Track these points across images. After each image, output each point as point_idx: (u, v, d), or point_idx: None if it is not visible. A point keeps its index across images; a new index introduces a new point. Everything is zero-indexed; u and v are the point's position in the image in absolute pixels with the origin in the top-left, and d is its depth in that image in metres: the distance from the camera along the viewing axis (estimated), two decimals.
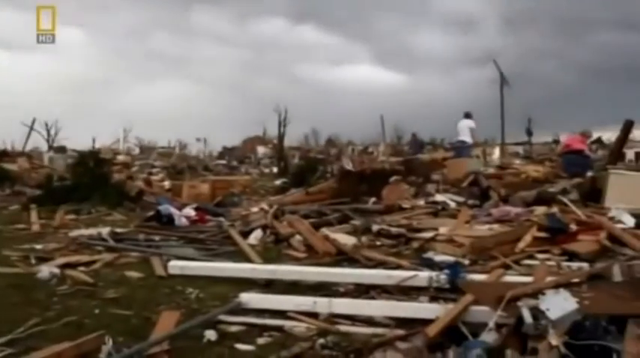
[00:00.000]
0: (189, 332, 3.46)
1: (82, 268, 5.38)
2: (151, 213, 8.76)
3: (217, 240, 7.04)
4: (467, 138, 14.29)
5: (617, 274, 3.90)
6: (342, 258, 5.71)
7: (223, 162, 34.61)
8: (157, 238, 7.12)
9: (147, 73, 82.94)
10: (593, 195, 8.07)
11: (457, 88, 63.19)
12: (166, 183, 15.25)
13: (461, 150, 14.29)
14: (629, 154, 20.05)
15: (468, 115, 14.64)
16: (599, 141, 33.25)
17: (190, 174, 21.26)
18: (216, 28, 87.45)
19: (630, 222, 6.29)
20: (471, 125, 14.32)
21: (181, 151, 44.95)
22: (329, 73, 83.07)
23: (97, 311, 4.05)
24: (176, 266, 5.16)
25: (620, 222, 6.26)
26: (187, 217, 8.51)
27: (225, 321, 3.72)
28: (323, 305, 3.81)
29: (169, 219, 8.20)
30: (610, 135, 26.14)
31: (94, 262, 5.64)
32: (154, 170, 21.98)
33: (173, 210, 8.46)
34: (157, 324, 3.51)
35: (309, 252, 6.09)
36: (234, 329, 3.63)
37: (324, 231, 6.79)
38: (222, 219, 8.55)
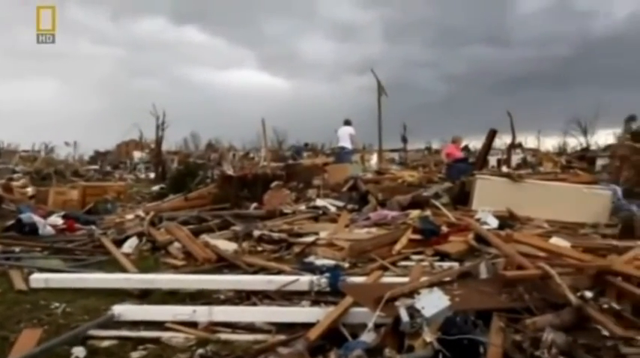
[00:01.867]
0: (54, 350, 3.19)
1: None
2: (10, 223, 8.04)
3: (88, 249, 6.62)
4: (347, 144, 14.72)
5: (483, 272, 4.20)
6: (223, 264, 5.60)
7: (95, 167, 32.70)
8: (17, 249, 6.55)
9: (10, 71, 76.02)
10: (462, 198, 8.64)
11: (339, 95, 64.72)
12: (29, 190, 14.08)
13: (341, 155, 14.67)
14: (492, 161, 21.70)
15: (347, 122, 15.09)
16: (466, 148, 35.79)
17: (57, 179, 19.82)
18: (90, 25, 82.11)
19: (494, 223, 6.81)
20: (351, 131, 14.78)
21: (47, 155, 41.80)
22: (212, 76, 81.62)
23: None
24: (39, 278, 4.76)
25: (485, 223, 6.75)
26: (54, 226, 7.92)
27: (96, 336, 3.49)
28: (202, 313, 3.71)
29: (32, 229, 7.57)
30: (475, 143, 28.25)
31: None
32: (15, 175, 20.19)
33: (37, 219, 7.83)
34: (16, 344, 3.21)
35: (189, 260, 5.91)
36: (105, 344, 3.41)
37: (204, 237, 6.63)
38: (93, 227, 8.06)
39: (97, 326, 3.60)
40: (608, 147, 27.63)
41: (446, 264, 5.23)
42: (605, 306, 3.58)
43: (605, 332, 3.26)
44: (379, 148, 23.23)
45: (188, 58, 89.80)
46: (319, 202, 9.03)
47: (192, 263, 5.79)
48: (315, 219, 8.05)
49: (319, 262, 5.35)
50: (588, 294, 3.64)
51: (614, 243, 6.03)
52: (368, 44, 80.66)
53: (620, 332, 3.21)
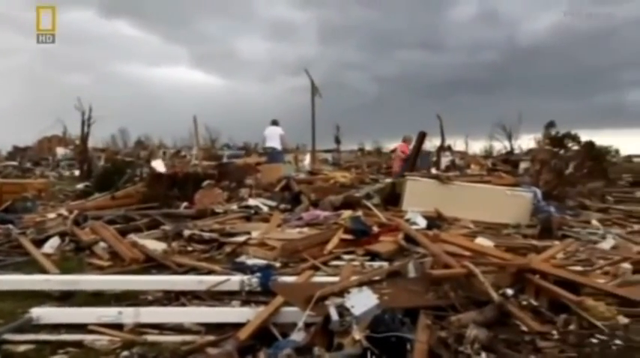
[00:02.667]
0: None
1: None
2: None
3: (4, 249, 6.28)
4: (277, 144, 14.76)
5: (411, 271, 4.32)
6: (151, 264, 5.46)
7: (14, 163, 31.07)
8: None
9: None
10: (392, 199, 8.84)
11: (273, 95, 64.66)
12: None
13: (274, 155, 14.67)
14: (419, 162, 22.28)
15: (275, 122, 15.15)
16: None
17: None
18: (11, 14, 77.64)
19: (423, 223, 7.01)
20: (280, 132, 14.82)
21: None
22: (143, 72, 79.45)
23: None
24: None
25: (414, 223, 6.94)
26: None
27: (12, 341, 3.33)
28: (129, 315, 3.61)
29: None
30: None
31: None
32: None
33: None
34: None
35: (115, 260, 5.72)
36: (22, 348, 3.26)
37: (132, 237, 6.45)
38: (10, 226, 7.64)
39: (12, 330, 3.43)
40: (530, 151, 29.02)
41: (376, 264, 5.32)
42: (525, 303, 3.78)
43: (524, 328, 3.44)
44: (312, 149, 23.37)
45: (118, 53, 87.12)
46: (251, 202, 8.98)
47: (118, 263, 5.61)
48: (247, 218, 8.00)
49: (250, 262, 5.32)
50: (509, 292, 3.82)
51: (534, 242, 6.38)
52: (303, 45, 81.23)
53: (537, 328, 3.40)
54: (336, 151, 40.94)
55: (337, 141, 43.33)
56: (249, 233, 6.62)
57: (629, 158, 24.54)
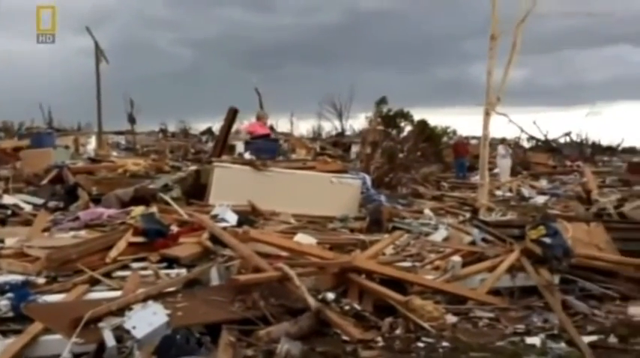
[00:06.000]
0: None
1: None
2: None
3: None
4: None
5: (214, 278, 4.31)
6: None
7: None
8: None
9: None
10: (197, 191, 8.75)
11: (51, 58, 59.56)
12: None
13: (42, 138, 13.98)
14: (240, 147, 22.45)
15: None
16: (209, 131, 36.48)
17: None
18: None
19: (233, 219, 7.03)
20: None
21: None
22: None
23: None
24: None
25: (223, 220, 6.93)
26: None
27: None
28: None
29: None
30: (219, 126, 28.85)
31: None
32: None
33: None
34: None
35: None
36: None
37: None
38: None
39: None
40: (361, 132, 30.66)
41: (174, 271, 5.23)
42: (347, 308, 3.96)
43: (345, 337, 3.60)
44: (99, 129, 22.45)
45: None
46: (8, 199, 8.49)
47: None
48: (1, 221, 7.60)
49: (2, 278, 4.92)
50: (330, 296, 3.98)
51: (362, 237, 6.74)
52: None
53: (359, 335, 3.58)
54: (130, 133, 39.51)
55: (131, 120, 41.68)
56: (2, 241, 6.22)
57: (466, 139, 26.99)
